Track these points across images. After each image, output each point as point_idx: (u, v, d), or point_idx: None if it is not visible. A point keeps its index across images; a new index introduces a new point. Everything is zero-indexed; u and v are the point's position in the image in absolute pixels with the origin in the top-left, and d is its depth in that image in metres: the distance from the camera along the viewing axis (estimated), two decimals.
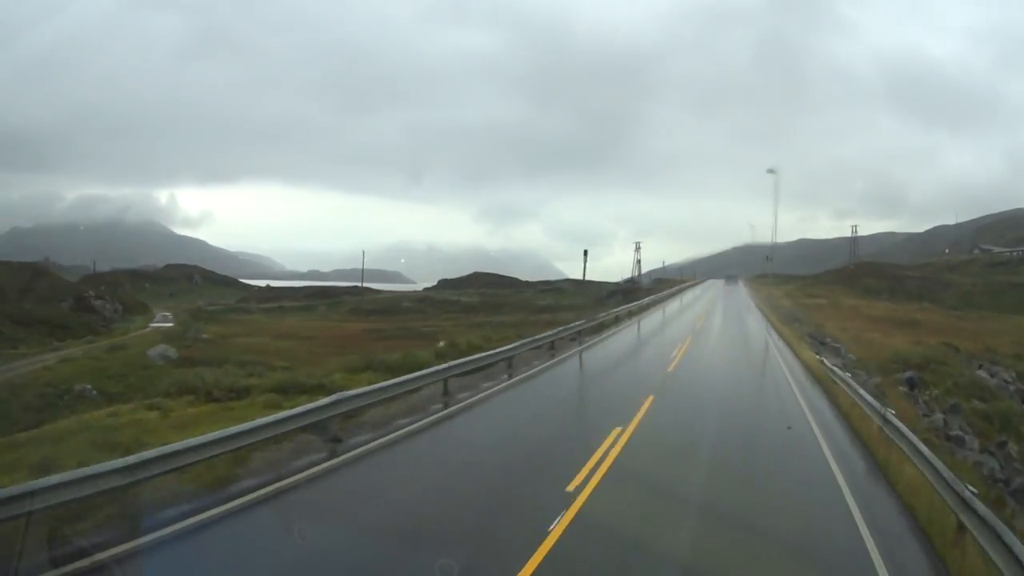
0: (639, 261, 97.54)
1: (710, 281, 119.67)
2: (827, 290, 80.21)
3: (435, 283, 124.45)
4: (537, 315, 66.79)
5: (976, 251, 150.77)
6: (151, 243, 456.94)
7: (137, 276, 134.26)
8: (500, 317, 71.33)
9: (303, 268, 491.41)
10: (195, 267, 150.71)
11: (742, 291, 78.81)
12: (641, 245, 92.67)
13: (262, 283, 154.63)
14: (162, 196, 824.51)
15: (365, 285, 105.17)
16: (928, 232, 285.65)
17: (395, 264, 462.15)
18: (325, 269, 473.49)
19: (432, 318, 76.25)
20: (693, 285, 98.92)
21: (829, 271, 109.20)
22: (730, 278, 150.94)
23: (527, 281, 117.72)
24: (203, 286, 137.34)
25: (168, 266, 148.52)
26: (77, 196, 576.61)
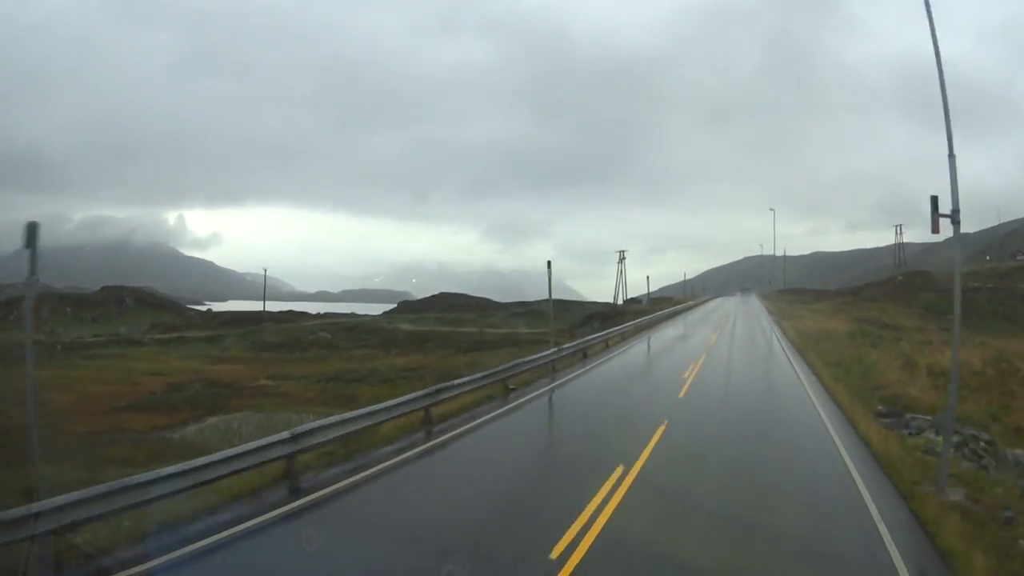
0: (624, 271, 74.09)
1: (717, 301, 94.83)
2: (878, 308, 57.07)
3: (395, 305, 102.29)
4: (463, 354, 46.57)
5: (1020, 256, 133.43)
6: (158, 264, 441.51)
7: (63, 299, 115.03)
8: (414, 356, 49.88)
9: (311, 289, 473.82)
10: (132, 288, 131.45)
11: (764, 318, 49.60)
12: (626, 255, 74.35)
13: (203, 307, 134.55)
14: (171, 217, 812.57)
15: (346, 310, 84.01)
16: (947, 241, 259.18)
17: (407, 284, 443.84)
18: (335, 290, 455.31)
19: (334, 355, 54.60)
20: (695, 306, 75.94)
21: (871, 284, 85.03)
22: (744, 291, 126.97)
23: (501, 303, 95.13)
24: (135, 309, 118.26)
25: (104, 288, 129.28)
26: (84, 217, 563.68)
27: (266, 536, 8.18)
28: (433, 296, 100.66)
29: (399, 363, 44.35)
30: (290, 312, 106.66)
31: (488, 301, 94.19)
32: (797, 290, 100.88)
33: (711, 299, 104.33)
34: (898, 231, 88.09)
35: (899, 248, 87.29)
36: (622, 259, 72.34)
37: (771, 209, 56.55)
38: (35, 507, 6.82)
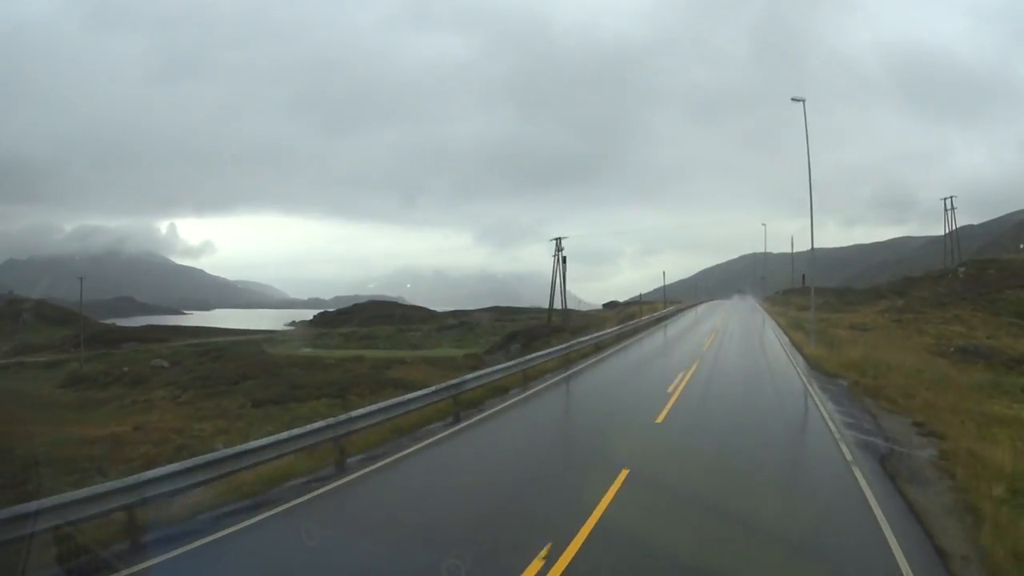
0: (562, 263, 50.78)
1: (703, 309, 66.16)
2: (956, 320, 35.50)
3: (314, 315, 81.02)
4: (253, 409, 27.14)
5: None
6: (148, 274, 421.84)
7: None
8: (182, 409, 30.03)
9: (304, 296, 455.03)
10: (37, 302, 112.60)
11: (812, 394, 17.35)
12: (562, 242, 53.62)
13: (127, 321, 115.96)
14: (162, 226, 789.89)
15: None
16: (951, 234, 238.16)
17: (400, 290, 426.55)
18: (326, 297, 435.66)
19: (111, 400, 34.92)
20: (669, 316, 53.61)
21: (916, 279, 62.39)
22: (740, 294, 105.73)
23: (438, 312, 73.70)
24: (34, 324, 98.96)
25: (11, 302, 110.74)
26: (76, 227, 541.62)
27: None
28: (358, 305, 79.45)
29: (93, 433, 23.73)
30: (191, 328, 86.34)
31: (423, 311, 72.93)
32: (809, 290, 78.55)
33: (695, 305, 74.02)
34: (948, 205, 62.89)
35: (950, 236, 63.40)
36: (559, 249, 50.37)
37: (799, 97, 30.32)
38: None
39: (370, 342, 57.09)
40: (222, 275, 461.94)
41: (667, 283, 72.63)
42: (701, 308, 67.79)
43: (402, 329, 60.16)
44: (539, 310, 61.62)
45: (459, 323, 60.28)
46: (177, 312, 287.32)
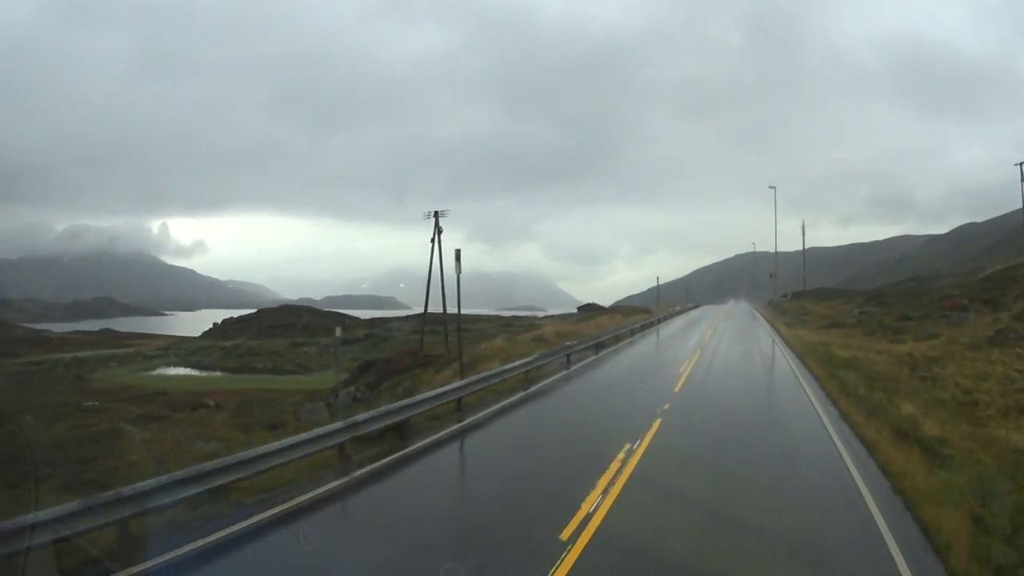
0: (438, 248, 36.58)
1: (665, 332, 38.91)
2: None
3: (213, 324, 67.67)
4: None
5: None
6: (138, 274, 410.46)
7: None
8: None
9: (295, 296, 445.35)
10: None
11: None
12: (441, 219, 33.24)
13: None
14: (154, 226, 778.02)
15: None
16: (954, 232, 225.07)
17: (394, 290, 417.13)
18: (317, 296, 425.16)
19: None
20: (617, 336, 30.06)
21: (991, 278, 45.46)
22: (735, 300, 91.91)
23: (358, 317, 60.36)
24: None
25: None
26: (66, 227, 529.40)
27: None
28: (263, 310, 66.34)
29: None
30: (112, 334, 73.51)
31: (335, 318, 59.44)
32: (827, 292, 64.24)
33: (662, 321, 46.63)
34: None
35: None
36: (438, 232, 36.57)
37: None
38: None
39: (251, 360, 43.82)
40: (213, 275, 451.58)
41: (661, 283, 59.94)
42: (675, 324, 44.74)
43: (297, 343, 47.04)
44: (492, 317, 48.22)
45: (365, 336, 47.10)
46: (158, 313, 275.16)
